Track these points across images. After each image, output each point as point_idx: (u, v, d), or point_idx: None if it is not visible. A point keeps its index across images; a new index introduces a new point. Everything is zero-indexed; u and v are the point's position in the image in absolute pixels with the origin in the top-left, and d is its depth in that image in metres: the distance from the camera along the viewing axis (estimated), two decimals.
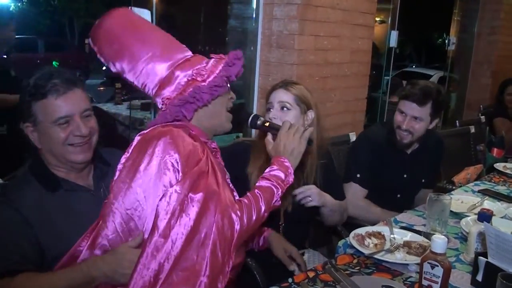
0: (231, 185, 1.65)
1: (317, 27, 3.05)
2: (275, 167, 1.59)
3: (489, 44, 6.20)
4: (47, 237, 1.46)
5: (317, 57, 3.10)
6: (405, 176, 2.56)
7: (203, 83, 1.50)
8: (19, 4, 18.05)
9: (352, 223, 2.38)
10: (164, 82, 1.52)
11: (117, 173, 1.44)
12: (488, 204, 2.37)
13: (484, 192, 2.58)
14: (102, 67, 12.56)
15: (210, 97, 1.51)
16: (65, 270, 1.41)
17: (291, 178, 1.60)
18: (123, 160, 1.45)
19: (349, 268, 1.63)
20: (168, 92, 1.52)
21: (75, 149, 1.56)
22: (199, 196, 1.36)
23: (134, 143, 1.46)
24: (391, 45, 4.41)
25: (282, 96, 2.02)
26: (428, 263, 1.44)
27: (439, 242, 1.43)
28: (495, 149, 3.92)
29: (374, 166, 2.47)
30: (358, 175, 2.45)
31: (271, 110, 2.02)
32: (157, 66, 1.52)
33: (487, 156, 3.94)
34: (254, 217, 1.46)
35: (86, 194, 1.61)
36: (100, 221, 1.42)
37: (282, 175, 1.57)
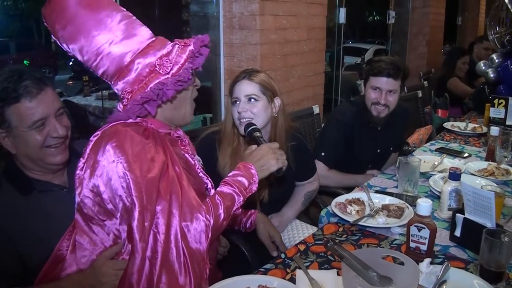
0: (201, 173, 1.46)
1: (276, 7, 2.86)
2: (240, 172, 1.38)
3: (422, 16, 6.22)
4: (25, 243, 1.25)
5: (278, 36, 2.93)
6: (378, 151, 2.45)
7: (166, 76, 1.24)
8: None
9: (326, 191, 2.29)
10: (123, 72, 1.25)
11: (77, 182, 1.24)
12: (448, 161, 2.31)
13: (441, 151, 2.53)
14: (69, 63, 12.06)
15: (175, 92, 1.26)
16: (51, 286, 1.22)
17: (254, 187, 1.38)
18: (80, 165, 1.24)
19: (336, 237, 1.51)
20: (128, 83, 1.25)
21: (53, 150, 1.34)
22: (162, 205, 1.18)
23: (89, 147, 1.24)
24: (340, 22, 4.26)
25: (247, 88, 1.78)
26: (415, 226, 1.35)
27: (424, 205, 1.35)
28: (440, 110, 3.93)
29: (346, 144, 2.33)
30: (323, 154, 2.31)
31: (238, 103, 1.79)
32: (116, 54, 1.23)
33: (434, 117, 3.95)
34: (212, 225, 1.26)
35: (61, 193, 1.39)
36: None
37: (246, 182, 1.36)
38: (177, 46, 1.29)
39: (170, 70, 1.24)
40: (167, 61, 1.25)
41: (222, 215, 1.28)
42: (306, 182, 2.07)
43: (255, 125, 1.68)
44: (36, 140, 1.29)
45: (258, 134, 1.63)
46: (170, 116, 1.35)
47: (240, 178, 1.36)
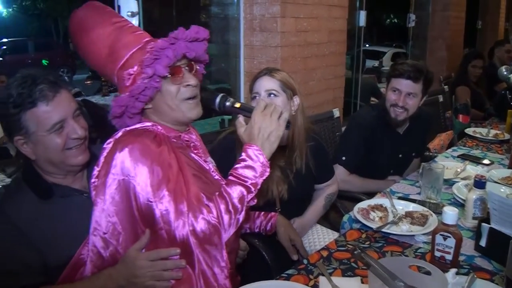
0: (216, 176, 1.43)
1: (297, 9, 2.86)
2: (247, 161, 1.23)
3: (443, 20, 6.14)
4: (46, 247, 1.25)
5: (298, 39, 2.92)
6: (400, 156, 2.42)
7: (125, 93, 1.22)
8: (10, 10, 17.81)
9: (347, 196, 2.26)
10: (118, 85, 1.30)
11: (92, 192, 1.25)
12: (471, 168, 2.27)
13: (463, 157, 2.49)
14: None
15: (140, 105, 1.24)
16: (85, 283, 1.23)
17: (266, 172, 1.24)
18: (95, 173, 1.24)
19: (359, 243, 1.50)
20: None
21: (74, 152, 1.33)
22: (172, 209, 1.19)
23: (103, 155, 1.23)
24: (360, 25, 4.22)
25: (268, 83, 1.79)
26: (440, 235, 1.33)
27: (450, 214, 1.32)
28: (461, 116, 3.84)
29: (367, 149, 2.30)
30: (344, 158, 2.29)
31: (257, 98, 1.79)
32: (107, 70, 1.29)
33: (455, 123, 3.87)
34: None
35: (81, 198, 1.37)
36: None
37: (255, 172, 1.22)
38: (147, 54, 1.21)
39: (131, 84, 1.22)
40: (127, 76, 1.23)
41: (230, 211, 1.21)
42: (325, 184, 2.05)
43: (222, 94, 1.38)
44: (56, 144, 1.28)
45: (229, 104, 1.36)
46: (169, 120, 1.33)
47: (246, 170, 1.23)
